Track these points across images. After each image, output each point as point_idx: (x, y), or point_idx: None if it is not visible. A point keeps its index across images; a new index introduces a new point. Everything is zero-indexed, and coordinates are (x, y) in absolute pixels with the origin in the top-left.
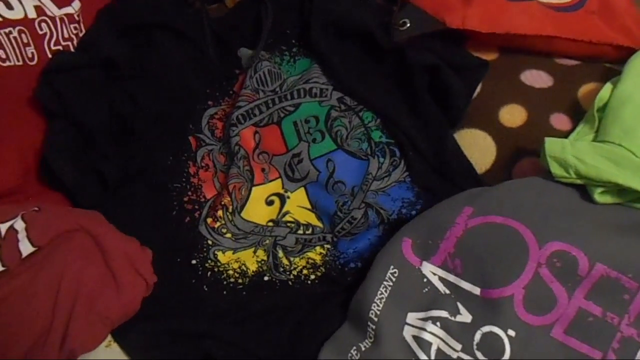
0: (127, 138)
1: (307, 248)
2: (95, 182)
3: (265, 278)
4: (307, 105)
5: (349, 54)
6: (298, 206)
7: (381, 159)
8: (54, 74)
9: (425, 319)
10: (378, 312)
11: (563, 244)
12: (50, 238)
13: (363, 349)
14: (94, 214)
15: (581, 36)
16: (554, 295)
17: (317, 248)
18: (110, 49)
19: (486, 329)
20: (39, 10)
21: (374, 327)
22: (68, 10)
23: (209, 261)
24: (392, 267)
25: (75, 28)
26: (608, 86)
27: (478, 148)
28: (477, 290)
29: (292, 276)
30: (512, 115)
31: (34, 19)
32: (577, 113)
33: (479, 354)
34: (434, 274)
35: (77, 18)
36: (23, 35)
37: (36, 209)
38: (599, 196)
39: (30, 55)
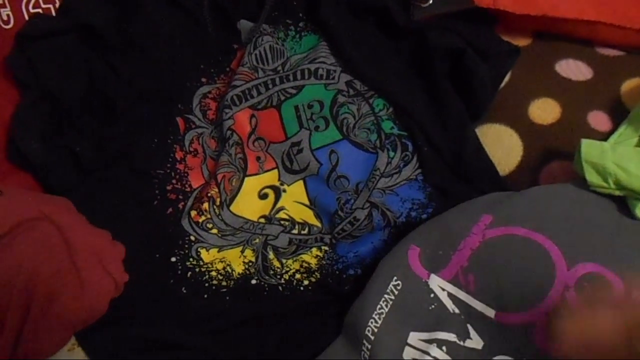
0: (106, 116)
1: (302, 250)
2: (68, 164)
3: (253, 282)
4: (311, 87)
5: (361, 32)
6: (295, 201)
7: (391, 153)
8: (28, 40)
9: (429, 341)
10: (376, 330)
11: (596, 266)
12: (9, 227)
13: None
14: (62, 201)
15: (629, 23)
16: None
17: (314, 250)
18: (92, 14)
19: (498, 358)
20: None
21: (369, 346)
22: None
23: (191, 259)
24: (395, 278)
25: None
26: None
27: (502, 146)
28: (491, 313)
29: (283, 281)
30: (544, 110)
31: None
32: (619, 112)
33: None
34: (443, 290)
35: None
36: None
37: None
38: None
39: (5, 18)
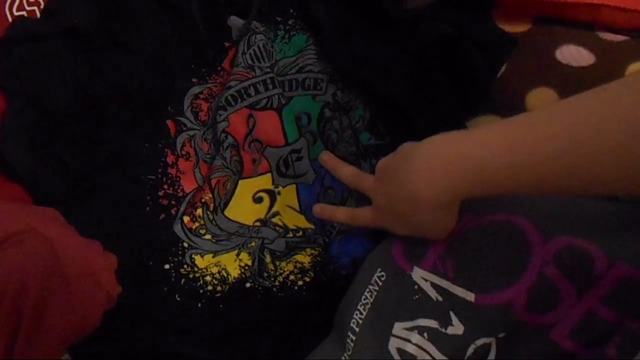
0: (95, 121)
1: (296, 251)
2: (57, 173)
3: (247, 285)
4: (300, 98)
5: (352, 27)
6: (287, 206)
7: (373, 161)
8: (13, 44)
9: (411, 328)
10: (360, 321)
11: (574, 239)
12: None
13: None
14: (50, 212)
15: (633, 4)
16: (558, 294)
17: (308, 249)
18: (78, 16)
19: (480, 342)
20: None
21: (354, 338)
22: None
23: (185, 266)
24: (379, 269)
25: None
26: None
27: None
28: (470, 296)
29: (277, 282)
30: (541, 101)
31: None
32: None
33: None
34: (426, 280)
35: None
36: None
37: None
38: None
39: None
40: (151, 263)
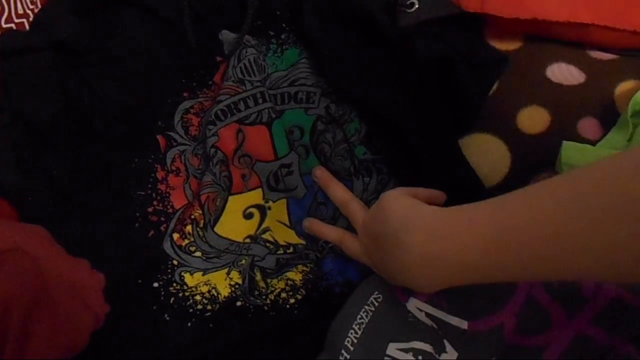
0: (83, 136)
1: (287, 268)
2: (45, 189)
3: (238, 304)
4: (292, 112)
5: (345, 43)
6: (277, 221)
7: (366, 179)
8: (0, 57)
9: (406, 350)
10: (355, 340)
11: None
12: None
13: None
14: (37, 230)
15: (622, 24)
16: (549, 317)
17: (299, 266)
18: (67, 29)
19: None
20: None
21: (348, 357)
22: None
23: (174, 284)
24: (376, 292)
25: (31, 2)
26: None
27: (490, 157)
28: (464, 324)
29: (268, 301)
30: (533, 119)
31: None
32: (611, 117)
33: None
34: (420, 310)
35: None
36: None
37: None
38: None
39: None
40: (140, 281)
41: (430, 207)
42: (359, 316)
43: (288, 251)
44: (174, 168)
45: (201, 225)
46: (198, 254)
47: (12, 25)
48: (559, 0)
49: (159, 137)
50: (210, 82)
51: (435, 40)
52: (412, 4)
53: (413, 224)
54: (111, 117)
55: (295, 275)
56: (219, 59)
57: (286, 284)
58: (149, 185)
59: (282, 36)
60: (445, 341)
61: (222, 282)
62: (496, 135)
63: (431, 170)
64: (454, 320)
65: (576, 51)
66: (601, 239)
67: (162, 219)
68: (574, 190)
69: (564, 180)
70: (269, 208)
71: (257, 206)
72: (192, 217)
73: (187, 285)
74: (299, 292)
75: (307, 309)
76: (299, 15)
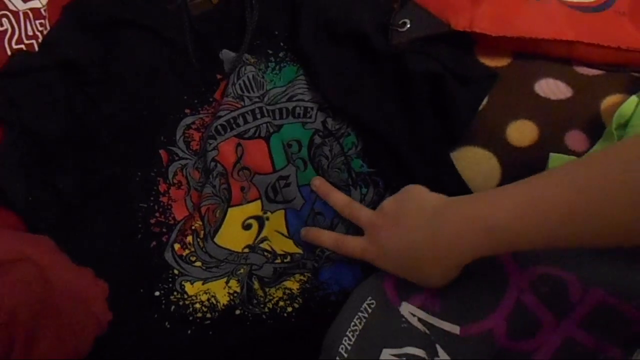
0: (88, 151)
1: (285, 277)
2: (51, 201)
3: (237, 312)
4: (290, 126)
5: (340, 59)
6: (275, 231)
7: (364, 190)
8: (9, 77)
9: (399, 355)
10: (348, 347)
11: (549, 268)
12: None
13: None
14: (43, 240)
15: (607, 41)
16: (538, 321)
17: (297, 275)
18: (74, 49)
19: None
20: (1, 4)
21: None
22: (34, 4)
23: (175, 293)
24: (370, 298)
25: (40, 24)
26: (632, 100)
27: (480, 170)
28: (456, 329)
29: (266, 309)
30: (522, 133)
31: None
32: (598, 130)
33: None
34: (414, 315)
35: (43, 13)
36: None
37: None
38: None
39: None
40: (142, 290)
41: None
42: (352, 323)
43: (285, 260)
44: (175, 181)
45: (201, 235)
46: (198, 263)
47: (22, 46)
48: (545, 19)
49: (161, 151)
50: (211, 99)
51: (427, 58)
52: (404, 23)
53: (446, 198)
54: (115, 133)
55: (292, 284)
56: (219, 76)
57: (284, 293)
58: (152, 198)
59: (280, 54)
60: (437, 346)
61: (221, 291)
62: (486, 148)
63: (424, 183)
64: (446, 326)
65: (563, 67)
66: (609, 212)
67: (164, 230)
68: (588, 174)
69: (580, 165)
70: (267, 219)
71: (255, 217)
72: (193, 228)
73: (187, 294)
74: (296, 301)
75: (304, 317)
76: (296, 34)
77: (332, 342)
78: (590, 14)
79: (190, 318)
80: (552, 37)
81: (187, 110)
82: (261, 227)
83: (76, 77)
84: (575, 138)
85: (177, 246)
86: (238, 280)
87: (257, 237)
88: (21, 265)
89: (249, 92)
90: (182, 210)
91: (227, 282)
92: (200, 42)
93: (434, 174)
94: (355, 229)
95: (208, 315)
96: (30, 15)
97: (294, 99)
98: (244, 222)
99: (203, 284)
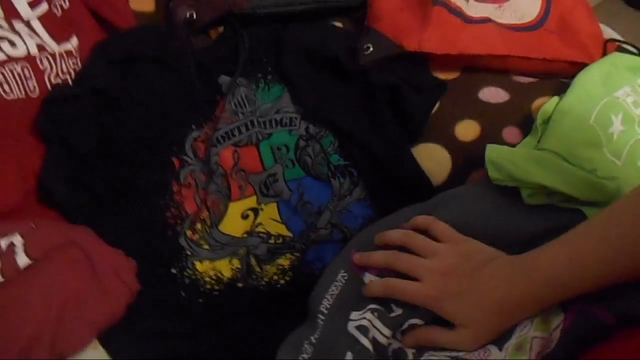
0: (116, 159)
1: (277, 256)
2: (87, 200)
3: (239, 285)
4: (279, 134)
5: (318, 79)
6: (270, 218)
7: (341, 179)
8: (52, 104)
9: (364, 311)
10: (328, 306)
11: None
12: (44, 251)
13: (314, 340)
14: (84, 229)
15: (534, 54)
16: None
17: (287, 255)
18: (102, 80)
19: (413, 321)
20: (41, 47)
21: (323, 318)
22: (67, 47)
23: (188, 270)
24: (342, 270)
25: (73, 63)
26: (554, 100)
27: (435, 161)
28: None
29: (263, 282)
30: (467, 130)
31: (35, 56)
32: (529, 126)
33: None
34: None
35: (75, 54)
36: (25, 71)
37: (33, 226)
38: (528, 198)
39: (32, 88)
40: (162, 269)
41: None
42: (330, 289)
43: (278, 242)
44: (186, 183)
45: (208, 224)
46: (206, 246)
47: (59, 80)
48: (481, 38)
49: (174, 159)
50: (212, 116)
51: (387, 73)
52: (368, 47)
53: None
54: (137, 145)
55: (284, 262)
56: (218, 97)
57: (277, 269)
58: (167, 196)
59: (269, 77)
60: (392, 304)
61: (226, 268)
62: (439, 143)
63: (390, 173)
64: None
65: (503, 77)
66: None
67: (178, 221)
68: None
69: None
70: (262, 209)
71: (252, 209)
72: (201, 217)
73: (198, 271)
74: (288, 275)
75: (294, 286)
76: (281, 60)
77: (315, 301)
78: (523, 32)
79: (201, 289)
80: (487, 53)
81: (193, 126)
82: (257, 216)
83: (104, 101)
84: (510, 133)
85: (189, 232)
86: (239, 259)
87: (253, 223)
88: (69, 248)
89: (242, 109)
90: (192, 205)
91: (230, 261)
92: (202, 71)
93: (397, 165)
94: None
95: (216, 287)
96: (65, 55)
97: (281, 111)
98: (242, 214)
99: (210, 262)
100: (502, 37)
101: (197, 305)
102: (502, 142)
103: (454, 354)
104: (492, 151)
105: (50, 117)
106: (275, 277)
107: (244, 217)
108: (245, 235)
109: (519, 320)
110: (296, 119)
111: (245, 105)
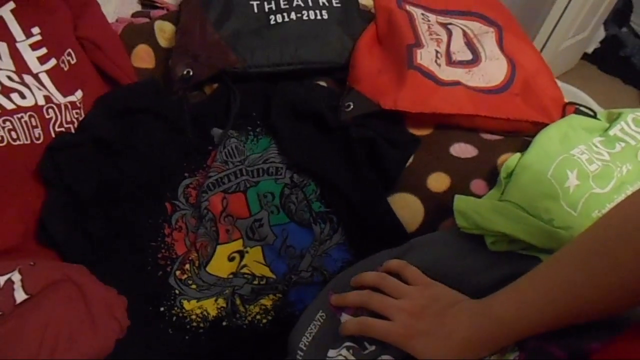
0: (112, 203)
1: (261, 296)
2: (84, 241)
3: (223, 323)
4: (265, 182)
5: (303, 132)
6: (255, 261)
7: (322, 225)
8: (55, 151)
9: (340, 348)
10: (307, 343)
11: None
12: (41, 287)
13: None
14: (79, 267)
15: (500, 114)
16: None
17: (270, 295)
18: (103, 130)
19: (385, 357)
20: (48, 98)
21: (302, 354)
22: (72, 98)
23: (176, 308)
24: (320, 311)
25: (77, 113)
26: (516, 156)
27: (409, 210)
28: None
29: (246, 322)
30: (438, 182)
31: (42, 106)
32: (495, 179)
33: None
34: None
35: (79, 105)
36: (32, 119)
37: (32, 263)
38: (491, 245)
39: (37, 136)
40: (150, 307)
41: None
42: (309, 328)
43: (262, 282)
44: (177, 226)
45: (197, 265)
46: (194, 286)
47: (63, 129)
48: (451, 99)
49: (166, 204)
50: (204, 165)
51: (366, 128)
52: (349, 105)
53: (469, 300)
54: (132, 190)
55: (267, 302)
56: (210, 147)
57: (260, 309)
58: (159, 238)
59: (257, 130)
60: (365, 342)
61: (212, 306)
62: (413, 193)
63: (367, 220)
64: None
65: (472, 134)
66: (576, 305)
67: (168, 262)
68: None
69: (550, 270)
70: (247, 252)
71: (238, 252)
72: (190, 259)
73: (185, 309)
74: (270, 314)
75: (275, 326)
76: (269, 114)
77: (295, 338)
78: (491, 95)
79: (188, 327)
80: (457, 112)
81: (186, 174)
82: (242, 258)
83: (104, 149)
84: (478, 185)
85: (178, 272)
86: (224, 298)
87: (239, 265)
88: (64, 284)
89: (232, 158)
90: (182, 247)
91: (215, 300)
92: (195, 123)
93: (374, 213)
94: (319, 261)
95: (201, 325)
96: (69, 106)
97: (268, 161)
98: (229, 256)
99: (197, 301)
100: (471, 98)
101: (183, 342)
102: (470, 194)
103: None
104: (460, 202)
105: (53, 163)
106: (258, 317)
107: (230, 259)
108: (230, 276)
109: (480, 358)
110: (282, 168)
111: (235, 155)
